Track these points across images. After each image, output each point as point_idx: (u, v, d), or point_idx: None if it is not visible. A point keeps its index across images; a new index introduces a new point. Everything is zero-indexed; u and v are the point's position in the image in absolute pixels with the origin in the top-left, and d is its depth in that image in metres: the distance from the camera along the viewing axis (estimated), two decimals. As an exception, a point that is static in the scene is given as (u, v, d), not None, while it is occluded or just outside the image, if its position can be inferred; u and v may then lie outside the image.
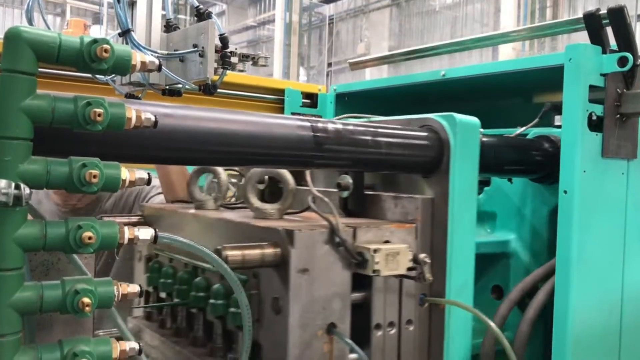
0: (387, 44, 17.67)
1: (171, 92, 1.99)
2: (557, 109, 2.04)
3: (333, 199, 1.82)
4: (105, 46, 1.07)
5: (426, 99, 3.22)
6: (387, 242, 1.66)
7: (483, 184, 2.32)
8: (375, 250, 1.54)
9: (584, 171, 1.86)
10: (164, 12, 1.90)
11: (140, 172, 1.17)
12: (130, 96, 1.98)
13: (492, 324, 1.68)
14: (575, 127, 1.86)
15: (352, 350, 1.57)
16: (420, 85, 2.86)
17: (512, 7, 11.05)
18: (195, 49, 1.71)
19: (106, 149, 1.21)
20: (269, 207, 1.82)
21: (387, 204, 1.85)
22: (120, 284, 1.15)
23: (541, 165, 2.09)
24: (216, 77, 1.86)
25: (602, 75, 1.90)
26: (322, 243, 1.55)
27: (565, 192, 1.87)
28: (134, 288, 1.17)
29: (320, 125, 1.62)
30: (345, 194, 1.86)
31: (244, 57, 2.01)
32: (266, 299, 1.58)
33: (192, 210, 2.01)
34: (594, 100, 1.89)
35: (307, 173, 1.85)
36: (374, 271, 1.54)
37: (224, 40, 1.75)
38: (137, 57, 1.15)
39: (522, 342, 1.88)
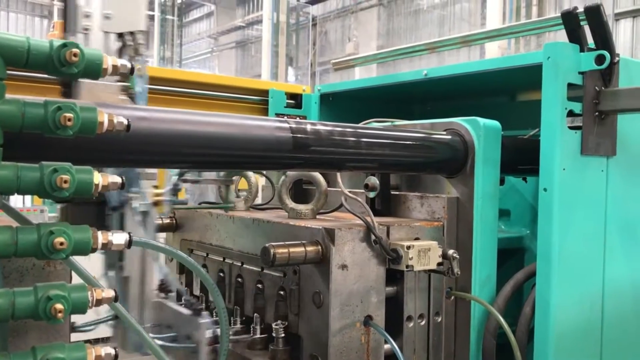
0: (375, 44, 17.68)
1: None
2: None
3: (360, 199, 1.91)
4: (75, 50, 1.06)
5: (411, 98, 3.23)
6: (417, 239, 1.79)
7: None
8: (408, 247, 1.68)
9: (564, 169, 1.87)
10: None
11: (113, 177, 1.16)
12: None
13: (503, 321, 1.82)
14: (554, 125, 1.87)
15: (386, 341, 1.70)
16: (404, 85, 2.85)
17: (497, 5, 11.09)
18: (189, 343, 1.67)
19: (80, 153, 1.21)
20: (303, 208, 1.95)
21: (413, 203, 2.00)
22: (95, 289, 1.15)
23: None
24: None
25: (580, 73, 1.91)
26: (359, 241, 1.69)
27: (545, 189, 1.87)
28: (108, 293, 1.16)
29: (300, 126, 1.62)
30: (373, 194, 1.99)
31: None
32: (306, 294, 1.70)
33: (225, 212, 2.12)
34: (572, 98, 1.90)
35: (338, 175, 1.94)
36: (408, 266, 1.68)
37: (215, 337, 1.67)
38: (109, 61, 1.14)
39: (525, 323, 1.92)
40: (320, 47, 19.76)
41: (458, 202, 1.92)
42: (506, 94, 2.99)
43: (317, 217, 1.96)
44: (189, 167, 1.76)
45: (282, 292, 1.77)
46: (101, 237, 1.15)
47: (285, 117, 3.07)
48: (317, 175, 1.99)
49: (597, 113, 1.94)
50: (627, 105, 1.93)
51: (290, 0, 15.60)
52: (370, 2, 18.16)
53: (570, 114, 1.90)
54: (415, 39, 16.45)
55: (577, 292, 1.93)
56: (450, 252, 1.76)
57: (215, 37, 23.02)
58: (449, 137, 1.93)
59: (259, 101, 3.08)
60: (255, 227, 1.90)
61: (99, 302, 1.14)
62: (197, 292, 2.13)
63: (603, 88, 1.94)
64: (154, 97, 2.62)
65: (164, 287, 1.81)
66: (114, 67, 1.16)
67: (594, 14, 1.91)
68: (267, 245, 1.57)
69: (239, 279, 1.96)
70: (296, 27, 17.58)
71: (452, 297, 1.90)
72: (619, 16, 12.26)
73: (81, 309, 1.12)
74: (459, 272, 1.76)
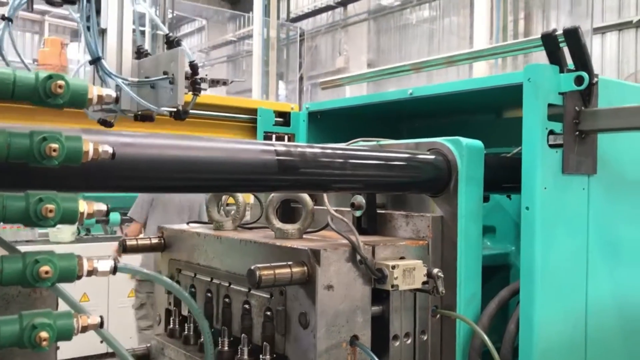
0: (366, 58, 17.81)
1: (143, 118, 2.04)
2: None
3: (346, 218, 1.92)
4: (60, 82, 1.09)
5: (398, 115, 3.27)
6: (402, 258, 1.81)
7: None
8: (393, 267, 1.68)
9: (545, 188, 1.90)
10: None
11: (98, 205, 1.18)
12: (103, 122, 2.03)
13: (487, 339, 1.84)
14: (535, 145, 1.91)
15: None
16: (390, 103, 2.90)
17: (484, 20, 11.19)
18: (166, 76, 1.76)
19: (65, 181, 1.22)
20: (290, 228, 1.96)
21: (399, 222, 2.00)
22: (80, 316, 1.16)
23: None
24: (189, 97, 1.95)
25: (560, 93, 1.95)
26: (345, 261, 1.70)
27: (527, 208, 1.90)
28: (94, 319, 1.17)
29: (285, 149, 1.65)
30: (359, 213, 2.00)
31: (214, 83, 2.07)
32: (292, 315, 1.71)
33: (213, 232, 2.12)
34: (553, 118, 1.94)
35: (325, 194, 1.95)
36: (393, 286, 1.68)
37: (193, 67, 1.79)
38: (94, 91, 1.17)
39: (510, 341, 1.94)
40: (311, 61, 19.87)
41: (442, 220, 1.94)
42: (491, 111, 3.03)
43: (304, 236, 1.98)
44: (175, 192, 1.79)
45: (268, 313, 1.79)
46: (87, 264, 1.17)
47: (274, 137, 3.10)
48: (304, 194, 2.01)
49: (577, 132, 1.97)
50: (607, 125, 1.97)
51: (280, 16, 15.74)
52: (360, 16, 18.31)
53: (551, 133, 1.94)
54: (405, 53, 16.59)
55: (561, 309, 1.96)
56: (435, 270, 1.77)
57: (206, 51, 23.11)
58: (433, 156, 1.96)
59: (248, 120, 3.11)
60: (242, 248, 1.92)
61: (84, 329, 1.16)
62: (185, 312, 2.14)
63: (583, 108, 1.98)
64: (142, 118, 2.64)
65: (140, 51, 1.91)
66: (99, 97, 1.18)
67: (573, 36, 1.96)
68: (252, 267, 1.58)
69: (227, 300, 1.97)
70: (286, 41, 17.67)
71: (438, 316, 1.92)
72: (605, 29, 12.44)
73: (67, 336, 1.13)
74: (444, 291, 1.78)
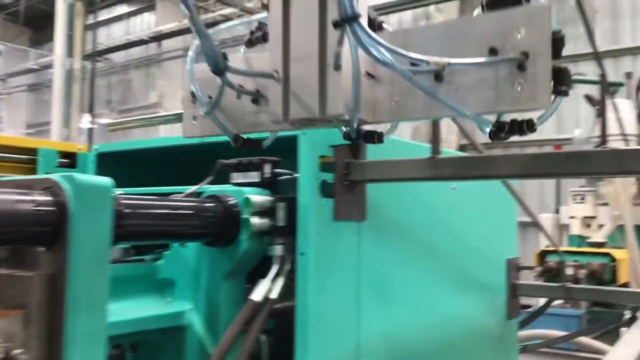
0: (181, 94, 17.62)
1: (368, 137, 1.45)
2: (230, 166, 2.26)
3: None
4: None
5: (193, 160, 3.24)
6: None
7: (164, 247, 2.20)
8: None
9: (317, 234, 2.01)
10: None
11: None
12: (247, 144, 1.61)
13: None
14: (308, 194, 2.01)
15: None
16: (184, 147, 2.86)
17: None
18: (504, 57, 0.98)
19: None
20: None
21: (3, 284, 1.51)
22: None
23: (210, 227, 1.98)
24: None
25: (331, 147, 2.09)
26: None
27: (302, 254, 1.99)
28: None
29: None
30: None
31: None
32: None
33: None
34: (325, 169, 2.07)
35: None
36: None
37: (558, 42, 0.99)
38: None
39: None
40: (123, 94, 19.14)
41: (53, 280, 1.46)
42: (286, 158, 3.14)
43: None
44: None
45: None
46: None
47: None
48: None
49: (347, 182, 2.12)
50: (374, 175, 2.15)
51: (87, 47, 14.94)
52: (175, 52, 18.15)
53: (323, 183, 2.06)
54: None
55: (334, 350, 2.05)
56: (16, 352, 1.39)
57: (3, 78, 21.11)
58: (40, 198, 1.49)
59: (26, 160, 2.87)
60: None
61: None
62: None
63: (353, 160, 2.14)
64: None
65: None
66: None
67: (343, 94, 2.12)
68: None
69: None
70: (92, 74, 16.80)
71: None
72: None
73: None
74: None
